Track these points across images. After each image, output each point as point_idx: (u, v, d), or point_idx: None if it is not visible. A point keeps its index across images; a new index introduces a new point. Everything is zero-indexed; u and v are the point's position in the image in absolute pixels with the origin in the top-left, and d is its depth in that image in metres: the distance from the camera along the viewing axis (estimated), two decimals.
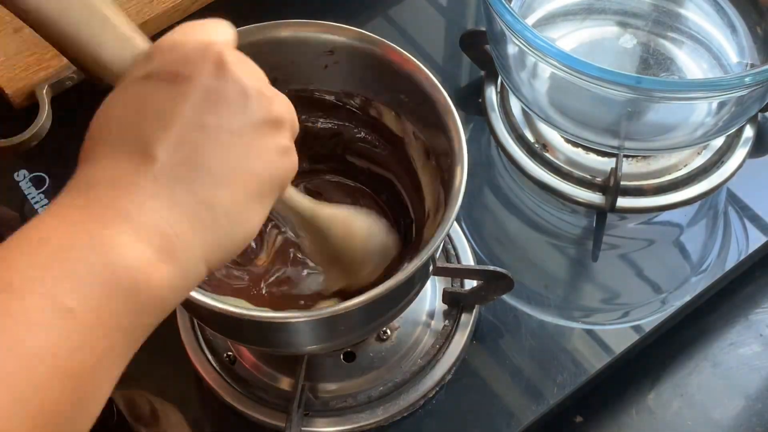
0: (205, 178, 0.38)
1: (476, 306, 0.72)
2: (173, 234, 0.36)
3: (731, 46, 0.82)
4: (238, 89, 0.39)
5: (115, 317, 0.34)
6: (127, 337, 0.36)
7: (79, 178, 0.37)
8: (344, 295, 0.63)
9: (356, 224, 0.63)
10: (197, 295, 0.54)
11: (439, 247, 0.56)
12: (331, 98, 0.69)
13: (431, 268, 0.62)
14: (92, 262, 0.34)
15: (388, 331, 0.71)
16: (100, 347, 0.34)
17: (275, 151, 0.40)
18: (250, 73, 0.40)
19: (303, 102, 0.68)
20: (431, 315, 0.72)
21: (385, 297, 0.54)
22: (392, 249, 0.65)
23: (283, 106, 0.42)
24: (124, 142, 0.38)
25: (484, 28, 0.81)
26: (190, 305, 0.60)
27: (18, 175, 0.80)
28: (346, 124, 0.71)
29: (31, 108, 0.81)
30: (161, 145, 0.37)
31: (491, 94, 0.84)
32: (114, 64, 0.42)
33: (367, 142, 0.71)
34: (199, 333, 0.71)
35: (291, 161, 0.42)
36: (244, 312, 0.55)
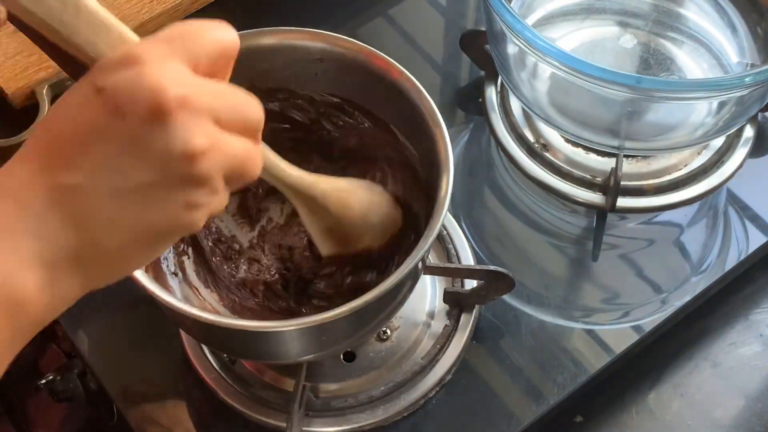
0: (97, 221, 0.38)
1: (476, 306, 0.72)
2: (54, 267, 0.38)
3: (731, 46, 0.82)
4: (164, 144, 0.37)
5: None
6: (2, 352, 0.38)
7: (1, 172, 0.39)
8: (340, 259, 0.66)
9: (354, 197, 0.63)
10: (179, 304, 0.55)
11: (425, 256, 0.57)
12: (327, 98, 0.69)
13: (419, 274, 0.63)
14: None
15: (388, 331, 0.71)
16: None
17: (182, 208, 0.40)
18: (187, 126, 0.38)
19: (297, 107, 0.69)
20: (431, 315, 0.72)
21: (372, 305, 0.54)
22: (395, 222, 0.66)
23: (211, 163, 0.39)
24: (45, 155, 0.38)
25: (484, 28, 0.81)
26: (174, 318, 0.61)
27: None
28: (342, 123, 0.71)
29: (31, 108, 0.81)
30: (70, 174, 0.38)
31: (491, 94, 0.84)
32: (88, 50, 0.41)
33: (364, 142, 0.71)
34: None
35: (201, 214, 0.41)
36: (231, 322, 0.56)
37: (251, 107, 0.41)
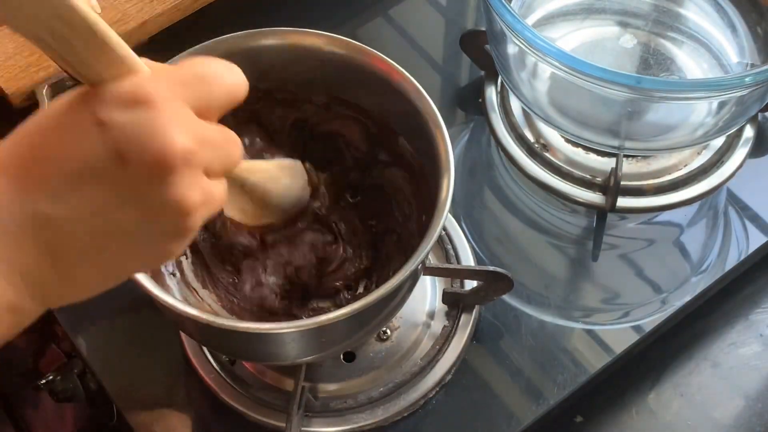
0: (74, 256, 0.38)
1: (476, 306, 0.72)
2: (24, 291, 0.38)
3: (731, 46, 0.82)
4: (160, 200, 0.37)
5: None
6: None
7: None
8: (268, 227, 0.66)
9: (275, 186, 0.62)
10: (178, 305, 0.55)
11: (424, 259, 0.57)
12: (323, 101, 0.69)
13: (419, 275, 0.63)
14: None
15: (388, 332, 0.71)
16: None
17: (158, 256, 0.40)
18: (186, 185, 0.37)
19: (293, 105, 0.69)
20: (431, 315, 0.72)
21: (372, 307, 0.54)
22: (302, 202, 0.66)
23: (199, 217, 0.39)
24: (33, 176, 0.37)
25: (484, 28, 0.81)
26: (174, 319, 0.61)
27: None
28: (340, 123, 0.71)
29: (31, 108, 0.80)
30: (57, 206, 0.36)
31: (491, 94, 0.84)
32: (88, 73, 0.37)
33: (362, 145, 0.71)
34: None
35: (178, 250, 0.40)
36: (231, 324, 0.56)
37: (237, 149, 0.42)
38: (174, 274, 0.66)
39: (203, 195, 0.38)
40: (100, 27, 0.36)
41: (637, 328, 0.74)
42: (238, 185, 0.56)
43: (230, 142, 0.41)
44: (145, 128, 0.36)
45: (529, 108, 0.78)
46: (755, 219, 0.80)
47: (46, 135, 0.37)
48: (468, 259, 0.75)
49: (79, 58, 0.36)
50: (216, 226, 0.70)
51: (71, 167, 0.36)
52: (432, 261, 0.74)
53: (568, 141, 0.80)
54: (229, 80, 0.40)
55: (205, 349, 0.70)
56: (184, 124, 0.37)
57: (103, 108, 0.36)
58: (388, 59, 0.64)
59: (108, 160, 0.36)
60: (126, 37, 0.78)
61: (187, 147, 0.36)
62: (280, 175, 0.64)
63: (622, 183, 0.75)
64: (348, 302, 0.66)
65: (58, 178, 0.36)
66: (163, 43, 0.83)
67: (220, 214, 0.65)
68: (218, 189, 0.40)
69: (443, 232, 0.75)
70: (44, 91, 0.81)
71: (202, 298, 0.67)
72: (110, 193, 0.36)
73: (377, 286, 0.55)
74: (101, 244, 0.38)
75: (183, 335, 0.71)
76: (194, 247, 0.69)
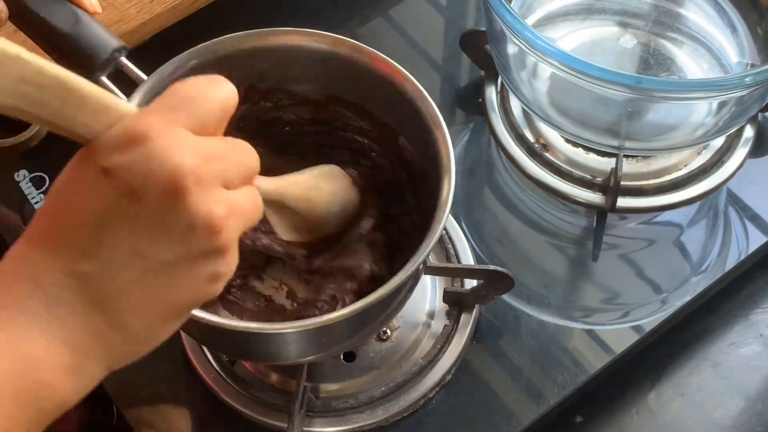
0: (122, 304, 0.38)
1: (476, 306, 0.72)
2: (81, 351, 0.38)
3: (731, 46, 0.82)
4: (185, 223, 0.37)
5: (21, 423, 0.37)
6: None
7: (6, 262, 0.38)
8: (300, 245, 0.66)
9: (320, 194, 0.63)
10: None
11: (425, 258, 0.57)
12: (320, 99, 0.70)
13: (420, 274, 0.63)
14: (7, 370, 0.36)
15: (388, 331, 0.71)
16: None
17: (206, 280, 0.40)
18: (205, 202, 0.37)
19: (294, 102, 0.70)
20: (431, 315, 0.72)
21: (373, 307, 0.55)
22: (354, 204, 0.66)
23: (231, 233, 0.39)
24: (57, 242, 0.37)
25: (484, 28, 0.81)
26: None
27: (18, 175, 0.80)
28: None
29: None
30: (89, 261, 0.37)
31: (491, 94, 0.84)
32: (82, 133, 0.38)
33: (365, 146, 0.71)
34: None
35: (222, 284, 0.41)
36: (231, 324, 0.56)
37: (250, 156, 0.41)
38: None
39: (227, 207, 0.38)
40: (73, 82, 0.36)
41: (637, 328, 0.74)
42: (279, 205, 0.57)
43: (238, 149, 0.41)
44: (148, 159, 0.36)
45: (529, 108, 0.78)
46: (755, 219, 0.80)
47: (60, 198, 0.38)
48: (468, 259, 0.75)
49: (63, 118, 0.36)
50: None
51: (90, 220, 0.37)
52: (432, 260, 0.74)
53: (568, 141, 0.80)
54: (217, 93, 0.40)
55: (205, 349, 0.70)
56: (184, 145, 0.37)
57: (103, 157, 0.37)
58: (390, 60, 0.64)
59: (122, 202, 0.36)
60: (126, 37, 0.78)
61: (192, 164, 0.36)
62: (320, 183, 0.63)
63: (622, 183, 0.75)
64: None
65: (84, 237, 0.37)
66: (163, 44, 0.83)
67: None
68: (244, 197, 0.40)
69: (444, 232, 0.75)
70: None
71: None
72: (136, 232, 0.37)
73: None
74: (146, 283, 0.38)
75: (183, 335, 0.71)
76: None
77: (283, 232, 0.62)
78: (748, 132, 0.80)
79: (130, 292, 0.38)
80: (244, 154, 0.41)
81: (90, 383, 0.39)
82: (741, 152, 0.79)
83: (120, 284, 0.37)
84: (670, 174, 0.79)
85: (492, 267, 0.69)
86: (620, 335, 0.73)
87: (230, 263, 0.40)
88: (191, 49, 0.63)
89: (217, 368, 0.69)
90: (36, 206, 0.78)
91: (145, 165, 0.36)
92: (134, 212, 0.36)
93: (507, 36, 0.73)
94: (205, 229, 0.37)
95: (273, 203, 0.57)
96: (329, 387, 0.69)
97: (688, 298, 0.75)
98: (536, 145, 0.80)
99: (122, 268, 0.37)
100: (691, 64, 0.81)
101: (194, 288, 0.39)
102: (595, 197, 0.78)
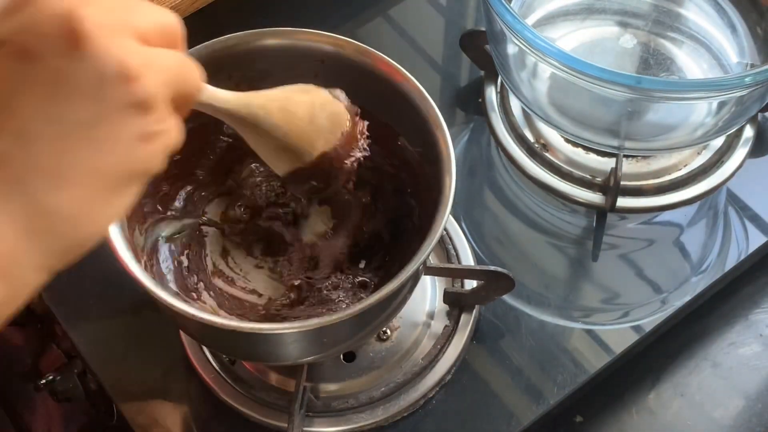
0: (43, 181, 0.33)
1: (476, 306, 0.72)
2: (4, 252, 0.33)
3: (731, 46, 0.82)
4: (93, 72, 0.33)
5: None
6: None
7: None
8: (301, 175, 0.58)
9: (294, 103, 0.56)
10: (179, 304, 0.55)
11: (425, 259, 0.57)
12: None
13: (420, 275, 0.63)
14: None
15: (388, 331, 0.71)
16: None
17: (136, 139, 0.35)
18: (112, 47, 0.33)
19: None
20: (431, 315, 0.72)
21: (373, 308, 0.55)
22: (342, 117, 0.58)
23: (151, 83, 0.35)
24: None
25: (484, 28, 0.81)
26: (174, 318, 0.61)
27: None
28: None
29: None
30: (2, 140, 0.33)
31: (491, 94, 0.84)
32: None
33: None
34: None
35: (158, 145, 0.36)
36: (231, 324, 0.56)
37: (166, 15, 0.37)
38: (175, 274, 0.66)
39: (142, 57, 0.34)
40: None
41: (637, 328, 0.74)
42: (252, 122, 0.52)
43: (148, 5, 0.37)
44: (37, 12, 0.32)
45: (529, 108, 0.78)
46: (755, 219, 0.80)
47: None
48: (468, 259, 0.75)
49: None
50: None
51: None
52: (433, 261, 0.74)
53: (568, 141, 0.80)
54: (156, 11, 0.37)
55: (205, 349, 0.70)
56: None
57: None
58: (391, 60, 0.64)
59: (19, 66, 0.33)
60: None
61: (90, 10, 0.33)
62: (294, 95, 0.56)
63: (622, 183, 0.75)
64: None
65: None
66: None
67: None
68: (166, 54, 0.36)
69: (444, 232, 0.75)
70: None
71: (204, 302, 0.67)
72: (43, 95, 0.33)
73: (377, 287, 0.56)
74: (66, 150, 0.34)
75: (183, 335, 0.71)
76: (196, 248, 0.69)
77: (271, 160, 0.57)
78: (748, 132, 0.80)
79: (51, 163, 0.33)
80: (157, 10, 0.37)
81: (23, 288, 0.34)
82: (741, 152, 0.79)
83: (37, 156, 0.33)
84: (670, 174, 0.79)
85: (492, 268, 0.69)
86: (620, 335, 0.73)
87: (162, 121, 0.36)
88: (191, 49, 0.63)
89: (217, 368, 0.69)
90: None
91: (34, 18, 0.32)
92: (33, 74, 0.33)
93: (507, 36, 0.73)
94: (116, 76, 0.33)
95: (244, 121, 0.52)
96: (329, 387, 0.69)
97: (687, 298, 0.75)
98: (536, 145, 0.80)
99: (37, 138, 0.33)
100: (691, 64, 0.81)
101: (123, 150, 0.35)
102: (595, 197, 0.78)
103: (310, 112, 0.56)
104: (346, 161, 0.59)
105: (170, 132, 0.37)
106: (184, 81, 0.38)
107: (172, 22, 0.38)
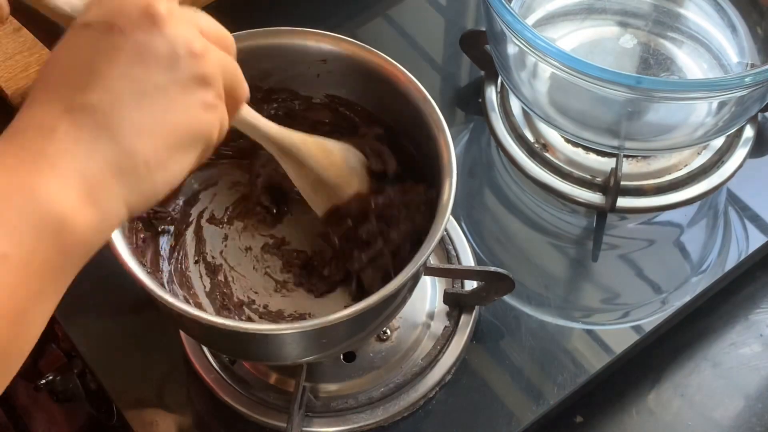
0: (126, 128, 0.39)
1: (476, 306, 0.72)
2: (95, 180, 0.38)
3: (731, 46, 0.82)
4: (167, 46, 0.40)
5: (46, 259, 0.37)
6: (56, 277, 0.38)
7: (14, 123, 0.39)
8: (338, 214, 0.64)
9: (331, 144, 0.64)
10: (180, 304, 0.55)
11: (426, 260, 0.57)
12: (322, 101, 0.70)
13: (420, 276, 0.63)
14: (23, 208, 0.36)
15: (388, 332, 0.71)
16: (33, 288, 0.36)
17: (199, 107, 0.42)
18: (182, 30, 0.41)
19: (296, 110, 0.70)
20: (431, 316, 0.72)
21: (373, 308, 0.55)
22: (366, 165, 0.66)
23: (212, 65, 0.42)
24: (56, 88, 0.40)
25: (484, 28, 0.81)
26: (174, 318, 0.61)
27: None
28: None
29: None
30: (87, 95, 0.39)
31: (491, 94, 0.84)
32: (67, 9, 0.46)
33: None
34: None
35: (215, 116, 0.43)
36: (231, 324, 0.56)
37: (224, 30, 0.45)
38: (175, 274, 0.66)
39: (204, 43, 0.42)
40: None
41: (637, 328, 0.74)
42: (294, 158, 0.60)
43: (214, 21, 0.45)
44: (119, 2, 0.41)
45: (529, 108, 0.78)
46: (755, 219, 0.80)
47: (54, 59, 0.41)
48: (468, 260, 0.75)
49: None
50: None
51: (81, 62, 0.40)
52: (433, 261, 0.74)
53: (568, 141, 0.80)
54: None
55: (205, 349, 0.70)
56: None
57: (81, 18, 0.41)
58: (393, 61, 0.64)
59: (106, 38, 0.40)
60: None
61: (164, 4, 0.41)
62: (326, 141, 0.64)
63: (622, 183, 0.75)
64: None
65: (80, 77, 0.39)
66: None
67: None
68: (221, 54, 0.44)
69: (444, 232, 0.75)
70: None
71: (202, 301, 0.67)
72: (125, 61, 0.40)
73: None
74: (145, 105, 0.40)
75: (183, 335, 0.71)
76: (196, 247, 0.69)
77: (310, 195, 0.64)
78: (748, 132, 0.80)
79: (133, 114, 0.39)
80: (219, 25, 0.45)
81: (111, 219, 0.39)
82: (741, 152, 0.79)
83: (121, 109, 0.39)
84: (670, 174, 0.79)
85: (492, 269, 0.69)
86: (620, 335, 0.73)
87: (219, 98, 0.43)
88: None
89: (217, 368, 0.69)
90: None
91: (118, 3, 0.40)
92: (118, 44, 0.40)
93: (507, 36, 0.73)
94: (186, 53, 0.41)
95: (285, 150, 0.60)
96: (329, 387, 0.69)
97: (688, 298, 0.75)
98: (536, 145, 0.80)
99: (120, 94, 0.39)
100: (691, 64, 0.81)
101: (191, 112, 0.41)
102: (595, 197, 0.78)
103: (344, 155, 0.64)
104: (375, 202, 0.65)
105: (224, 114, 0.44)
106: (235, 79, 0.45)
107: (227, 33, 0.46)
